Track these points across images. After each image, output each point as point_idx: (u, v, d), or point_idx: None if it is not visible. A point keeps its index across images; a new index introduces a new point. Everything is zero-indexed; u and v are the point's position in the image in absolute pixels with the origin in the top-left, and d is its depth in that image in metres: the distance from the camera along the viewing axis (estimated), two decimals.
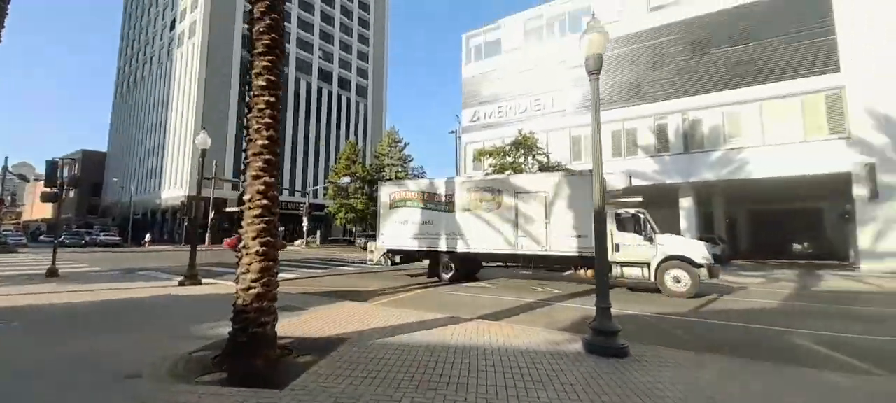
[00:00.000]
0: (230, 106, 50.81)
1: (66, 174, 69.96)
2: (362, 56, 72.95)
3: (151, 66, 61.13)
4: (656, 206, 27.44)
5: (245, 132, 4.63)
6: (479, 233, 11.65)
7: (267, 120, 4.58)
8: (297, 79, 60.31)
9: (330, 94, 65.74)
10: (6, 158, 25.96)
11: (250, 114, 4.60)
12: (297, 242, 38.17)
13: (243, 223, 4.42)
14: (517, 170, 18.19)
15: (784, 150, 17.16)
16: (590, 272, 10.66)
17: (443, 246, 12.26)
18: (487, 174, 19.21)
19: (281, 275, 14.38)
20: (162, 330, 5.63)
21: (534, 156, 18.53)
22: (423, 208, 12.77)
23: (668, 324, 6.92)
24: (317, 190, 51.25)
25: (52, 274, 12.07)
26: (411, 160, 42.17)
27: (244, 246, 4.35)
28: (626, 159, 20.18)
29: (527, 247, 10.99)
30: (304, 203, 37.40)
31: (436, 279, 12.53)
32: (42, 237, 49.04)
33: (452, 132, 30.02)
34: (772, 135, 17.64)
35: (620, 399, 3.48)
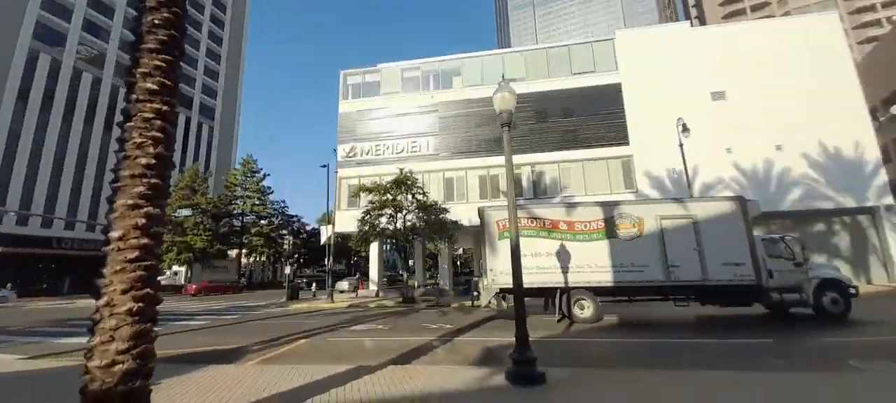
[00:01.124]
0: (7, 109, 36.88)
1: None
2: (211, 73, 63.94)
3: None
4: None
5: (120, 146, 3.48)
6: (624, 262, 10.46)
7: (155, 132, 3.55)
8: (115, 87, 48.32)
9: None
10: None
11: (130, 124, 3.50)
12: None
13: (106, 270, 3.21)
14: (397, 207, 18.35)
15: (599, 199, 22.16)
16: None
17: (584, 280, 10.61)
18: (367, 210, 18.79)
19: (80, 341, 10.71)
20: None
21: (413, 195, 19.04)
22: (548, 237, 10.99)
23: (558, 346, 7.84)
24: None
25: None
26: (271, 192, 38.00)
27: (107, 304, 3.13)
28: (491, 200, 22.67)
29: (683, 276, 10.20)
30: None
31: (562, 317, 10.86)
32: None
33: (324, 166, 28.45)
34: (591, 186, 22.59)
35: None
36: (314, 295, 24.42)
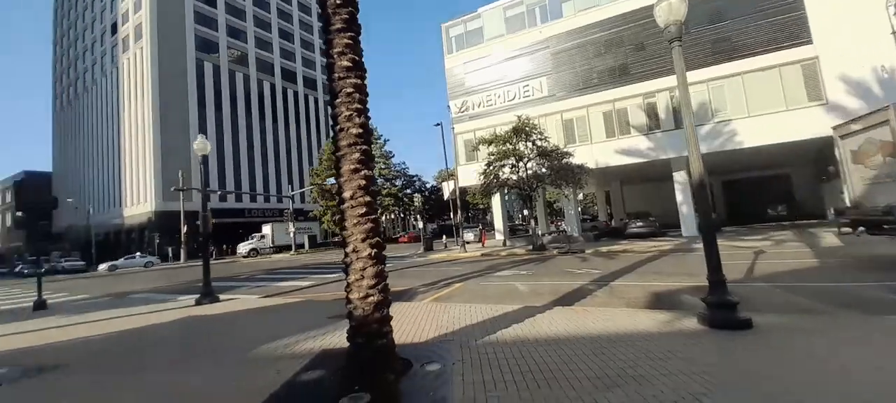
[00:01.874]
0: (190, 112, 47.50)
1: (4, 200, 63.17)
2: (307, 45, 70.07)
3: (94, 75, 56.01)
4: (652, 181, 28.47)
5: (334, 121, 4.06)
6: None
7: (357, 105, 4.03)
8: (261, 80, 57.37)
9: (296, 95, 63.12)
10: None
11: (337, 100, 4.03)
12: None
13: (347, 224, 3.88)
14: (519, 156, 18.05)
15: (767, 120, 18.02)
16: None
17: None
18: (488, 162, 18.94)
19: (294, 284, 13.66)
20: (232, 357, 4.94)
21: (533, 142, 18.43)
22: None
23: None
24: (301, 194, 48.99)
25: (40, 306, 10.67)
26: (393, 156, 41.29)
27: (354, 250, 3.81)
28: (619, 139, 20.56)
29: None
30: (288, 209, 35.65)
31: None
32: None
33: (437, 125, 29.52)
34: (755, 104, 18.45)
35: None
36: (445, 247, 26.38)
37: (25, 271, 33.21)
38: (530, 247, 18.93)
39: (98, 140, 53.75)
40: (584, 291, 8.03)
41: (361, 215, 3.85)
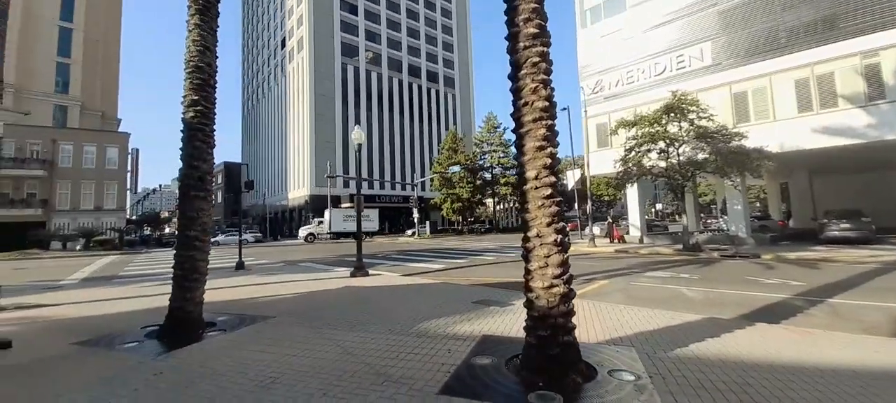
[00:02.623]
0: (336, 110, 54.86)
1: (217, 182, 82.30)
2: (447, 46, 72.96)
3: (269, 83, 69.17)
4: (863, 171, 21.77)
5: (515, 96, 3.75)
6: None
7: (542, 76, 3.62)
8: (390, 77, 62.72)
9: (420, 89, 67.15)
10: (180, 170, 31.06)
11: (521, 72, 3.69)
12: (409, 232, 39.51)
13: (529, 207, 3.54)
14: (672, 139, 15.50)
15: None
16: None
17: None
18: (630, 147, 16.82)
19: (425, 266, 14.44)
20: (401, 328, 5.19)
21: (691, 121, 15.60)
22: None
23: None
24: (422, 182, 52.65)
25: (240, 267, 13.51)
26: (512, 145, 40.57)
27: (537, 235, 3.47)
28: (819, 114, 15.94)
29: None
30: (413, 195, 38.39)
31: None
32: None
33: (563, 109, 27.65)
34: None
35: None
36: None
37: (220, 240, 43.27)
38: (679, 247, 16.29)
39: (272, 136, 66.44)
40: (789, 307, 6.28)
41: (546, 197, 3.47)
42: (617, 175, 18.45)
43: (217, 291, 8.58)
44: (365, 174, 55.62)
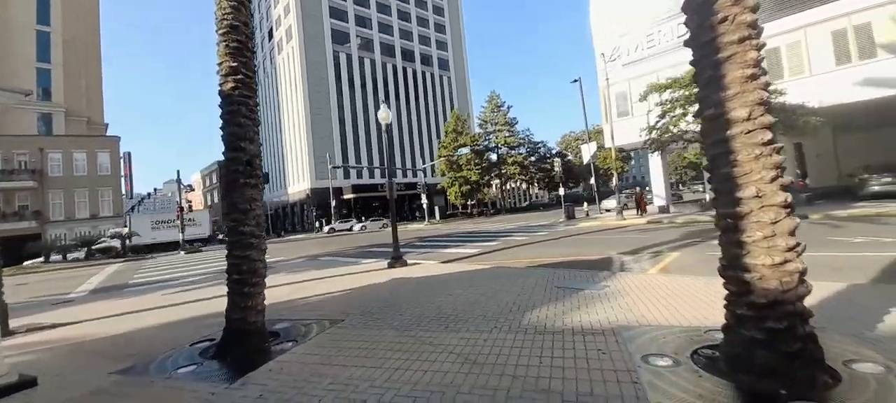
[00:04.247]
0: (331, 100, 53.20)
1: (212, 181, 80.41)
2: (439, 27, 70.99)
3: (258, 77, 66.86)
4: (881, 128, 21.06)
5: (702, 13, 2.81)
6: None
7: None
8: (384, 63, 60.87)
9: (414, 73, 65.39)
10: (178, 172, 29.80)
11: None
12: (419, 219, 38.62)
13: (739, 157, 2.64)
14: None
15: None
16: None
17: None
18: (662, 111, 15.95)
19: (458, 251, 13.62)
20: (496, 324, 4.34)
21: None
22: None
23: None
24: (427, 168, 51.52)
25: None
26: (517, 122, 39.53)
27: (755, 196, 2.58)
28: (857, 65, 15.12)
29: None
30: (420, 181, 37.37)
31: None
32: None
33: (575, 81, 26.64)
34: None
35: None
36: (587, 214, 24.10)
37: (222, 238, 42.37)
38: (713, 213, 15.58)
39: (266, 131, 64.61)
40: None
41: (765, 143, 2.57)
42: (645, 143, 17.64)
43: None
44: (364, 162, 54.37)
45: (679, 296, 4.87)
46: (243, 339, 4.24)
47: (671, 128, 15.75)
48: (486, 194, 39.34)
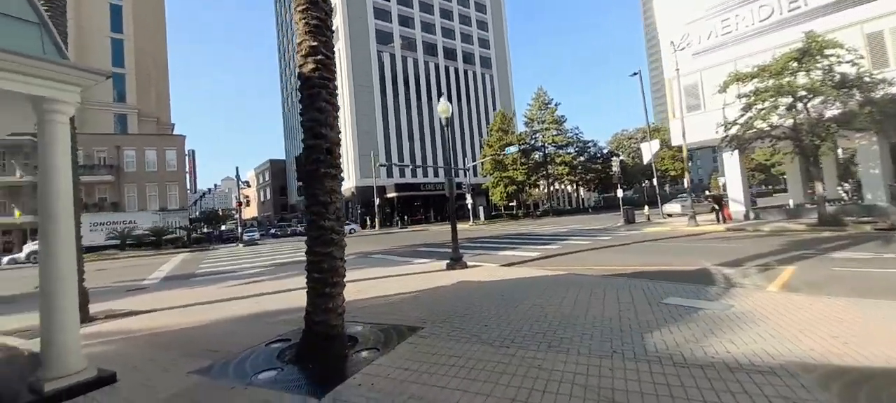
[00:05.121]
0: (374, 99, 54.03)
1: (264, 179, 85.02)
2: (482, 25, 70.02)
3: None
4: None
5: None
6: None
7: None
8: (426, 62, 60.92)
9: (456, 72, 64.91)
10: (237, 168, 31.29)
11: None
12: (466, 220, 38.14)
13: None
14: (810, 91, 12.76)
15: None
16: None
17: None
18: (747, 103, 14.22)
19: (516, 254, 12.86)
20: (631, 347, 3.62)
21: (827, 68, 12.80)
22: None
23: None
24: (470, 168, 50.91)
25: None
26: (565, 120, 37.85)
27: None
28: None
29: None
30: (466, 181, 36.81)
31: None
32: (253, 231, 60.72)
33: (634, 74, 24.91)
34: None
35: None
36: (649, 219, 22.33)
37: (278, 233, 44.21)
38: (804, 221, 13.73)
39: None
40: None
41: None
42: (722, 141, 15.90)
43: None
44: (407, 161, 54.69)
45: (836, 323, 3.91)
46: (324, 344, 3.83)
47: (758, 123, 13.98)
48: (531, 195, 37.98)
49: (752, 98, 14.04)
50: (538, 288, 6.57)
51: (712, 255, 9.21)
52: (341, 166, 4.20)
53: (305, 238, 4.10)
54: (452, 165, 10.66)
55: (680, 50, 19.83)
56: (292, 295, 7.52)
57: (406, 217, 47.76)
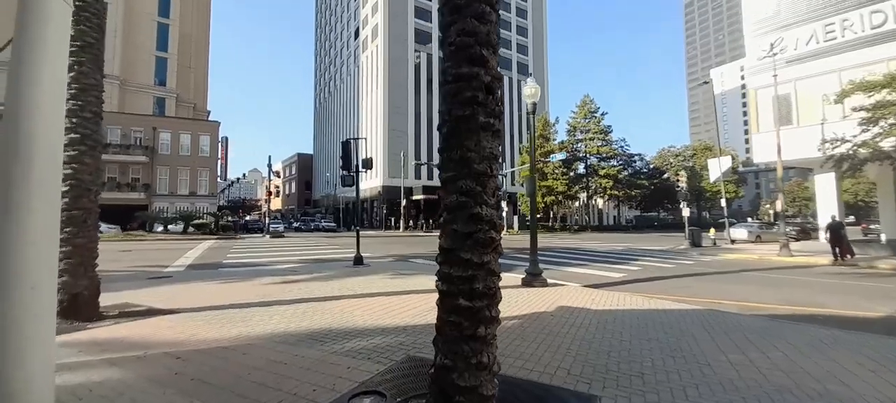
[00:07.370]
0: (408, 99, 53.03)
1: (291, 173, 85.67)
2: (521, 30, 68.33)
3: (342, 75, 69.44)
4: None
5: None
6: None
7: None
8: None
9: None
10: (269, 157, 30.40)
11: None
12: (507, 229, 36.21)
13: None
14: None
15: None
16: None
17: None
18: (869, 117, 11.95)
19: (590, 272, 10.91)
20: None
21: None
22: None
23: None
24: (507, 174, 48.99)
25: (359, 262, 11.01)
26: (611, 130, 35.52)
27: None
28: None
29: None
30: (503, 189, 34.89)
31: None
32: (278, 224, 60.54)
33: (704, 83, 22.60)
34: None
35: None
36: (715, 243, 19.88)
37: (302, 227, 43.46)
38: None
39: (344, 128, 66.62)
40: None
41: None
42: (828, 160, 13.56)
43: (383, 303, 5.85)
44: (436, 162, 53.24)
45: None
46: None
47: (888, 140, 11.66)
48: (569, 207, 35.71)
49: (882, 111, 11.75)
50: (694, 328, 4.71)
51: (874, 298, 7.08)
52: (502, 116, 2.51)
53: (437, 234, 2.43)
54: (536, 168, 8.89)
55: (770, 56, 17.51)
56: (347, 306, 5.93)
57: (431, 220, 46.19)
